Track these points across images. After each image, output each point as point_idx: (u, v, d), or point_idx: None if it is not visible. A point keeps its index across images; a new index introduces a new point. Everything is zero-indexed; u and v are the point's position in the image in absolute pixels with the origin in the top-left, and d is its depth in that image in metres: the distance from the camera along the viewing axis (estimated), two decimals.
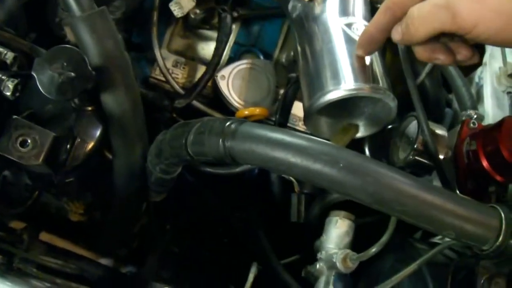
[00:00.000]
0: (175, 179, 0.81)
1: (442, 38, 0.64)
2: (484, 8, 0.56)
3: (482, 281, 0.67)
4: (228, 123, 0.64)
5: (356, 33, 0.80)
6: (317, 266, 0.80)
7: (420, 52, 0.66)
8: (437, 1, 0.59)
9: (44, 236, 0.92)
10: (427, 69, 0.94)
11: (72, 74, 0.67)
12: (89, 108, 0.77)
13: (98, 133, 0.78)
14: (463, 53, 0.64)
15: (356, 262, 0.76)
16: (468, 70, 0.96)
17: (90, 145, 0.77)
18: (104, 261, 0.97)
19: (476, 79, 0.95)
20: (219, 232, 1.03)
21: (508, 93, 0.89)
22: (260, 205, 0.97)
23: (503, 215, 0.62)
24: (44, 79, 0.67)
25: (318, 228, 0.86)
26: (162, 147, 0.73)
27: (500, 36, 0.57)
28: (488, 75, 0.91)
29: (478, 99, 0.92)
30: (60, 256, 0.91)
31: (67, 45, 0.69)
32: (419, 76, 0.95)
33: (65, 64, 0.67)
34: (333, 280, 0.77)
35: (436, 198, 0.61)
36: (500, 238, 0.61)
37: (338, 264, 0.76)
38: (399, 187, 0.59)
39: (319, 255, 0.81)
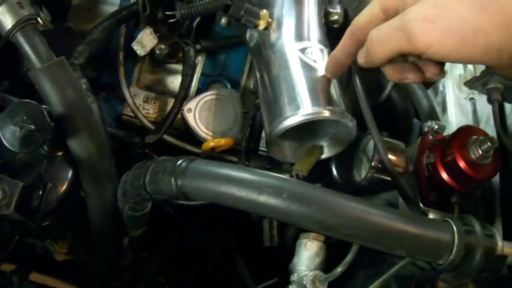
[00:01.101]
0: (148, 215, 0.83)
1: (410, 57, 0.66)
2: (437, 29, 0.58)
3: None
4: (179, 162, 0.67)
5: (311, 58, 0.82)
6: None
7: (390, 73, 0.69)
8: (393, 23, 0.62)
9: (35, 277, 0.96)
10: (392, 82, 0.95)
11: (32, 127, 0.71)
12: (59, 154, 0.80)
13: (68, 177, 0.81)
14: (431, 71, 0.67)
15: (325, 283, 0.78)
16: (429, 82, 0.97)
17: (62, 189, 0.80)
18: None
19: (441, 88, 0.95)
20: (202, 260, 1.05)
21: (471, 99, 0.89)
22: (238, 231, 0.99)
23: (455, 229, 0.63)
24: (6, 133, 0.71)
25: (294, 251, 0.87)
26: (126, 187, 0.75)
27: (455, 54, 0.59)
28: (450, 83, 0.91)
29: (443, 108, 0.92)
30: None
31: (26, 100, 0.72)
32: (385, 90, 0.96)
33: (25, 117, 0.71)
34: None
35: (384, 219, 0.62)
36: (453, 253, 0.62)
37: (308, 286, 0.78)
38: (344, 212, 0.61)
39: (291, 278, 0.82)
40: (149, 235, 0.96)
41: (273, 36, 0.85)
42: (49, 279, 0.97)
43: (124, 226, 0.87)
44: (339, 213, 0.61)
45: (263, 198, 0.61)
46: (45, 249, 0.94)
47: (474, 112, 0.89)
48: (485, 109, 0.87)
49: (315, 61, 0.82)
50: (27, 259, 0.95)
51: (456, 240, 0.62)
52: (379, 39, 0.64)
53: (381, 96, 0.97)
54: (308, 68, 0.81)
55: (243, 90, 1.00)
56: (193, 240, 1.03)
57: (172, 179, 0.66)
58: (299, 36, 0.84)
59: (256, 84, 1.00)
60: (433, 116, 0.89)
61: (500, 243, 0.64)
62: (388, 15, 0.64)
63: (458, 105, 0.89)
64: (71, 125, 0.76)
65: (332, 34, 0.89)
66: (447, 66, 0.93)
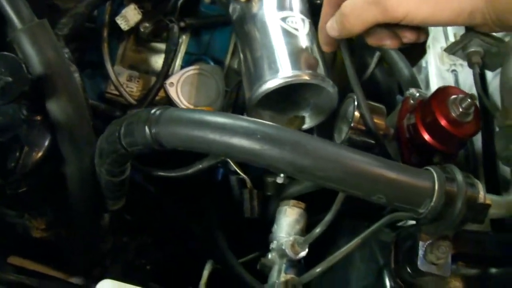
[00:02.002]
0: (126, 184, 0.82)
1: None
2: None
3: (424, 246, 0.65)
4: (153, 111, 0.66)
5: (292, 26, 0.83)
6: (269, 256, 0.79)
7: (369, 39, 0.71)
8: None
9: (14, 260, 0.93)
10: (375, 59, 0.95)
11: (9, 78, 0.70)
12: (38, 118, 0.80)
13: (46, 141, 0.80)
14: (407, 37, 0.69)
15: (304, 246, 0.76)
16: (415, 59, 0.97)
17: (39, 153, 0.79)
18: (75, 280, 0.97)
19: (424, 64, 0.95)
20: (184, 239, 1.03)
21: (453, 71, 0.89)
22: (220, 207, 0.97)
23: (435, 175, 0.62)
24: None
25: None
26: (102, 145, 0.74)
27: (430, 19, 0.62)
28: (432, 57, 0.92)
29: (427, 84, 0.92)
30: (29, 278, 0.91)
31: (4, 52, 0.72)
32: (368, 68, 0.96)
33: (2, 70, 0.71)
34: (285, 268, 0.76)
35: (360, 162, 0.61)
36: (434, 199, 0.60)
37: (287, 251, 0.75)
38: (318, 152, 0.59)
39: (271, 246, 0.80)
40: (130, 218, 0.95)
41: (255, 7, 0.86)
42: (28, 262, 0.95)
43: (103, 199, 0.85)
44: (313, 153, 0.59)
45: (236, 140, 0.59)
46: (24, 227, 0.93)
47: (456, 83, 0.89)
48: (467, 80, 0.87)
49: (296, 29, 0.83)
50: (6, 241, 0.93)
51: (436, 186, 0.61)
52: (355, 14, 0.65)
53: (364, 74, 0.97)
54: (289, 35, 0.82)
55: (227, 70, 1.00)
56: (174, 219, 1.01)
57: (146, 128, 0.65)
58: (281, 6, 0.85)
59: (240, 63, 1.00)
60: (414, 83, 0.89)
61: (482, 192, 0.62)
62: None
63: (440, 77, 0.90)
64: (51, 85, 0.75)
65: (316, 11, 0.90)
66: (430, 41, 0.93)
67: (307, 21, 0.85)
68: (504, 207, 0.67)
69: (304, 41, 0.82)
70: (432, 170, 0.63)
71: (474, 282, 0.69)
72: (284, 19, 0.83)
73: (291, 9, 0.85)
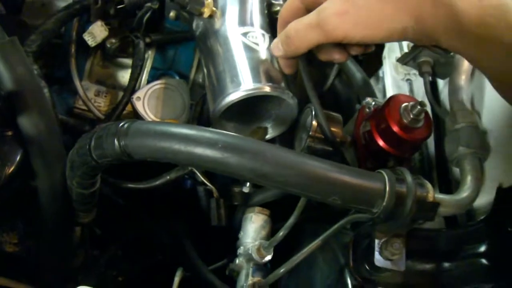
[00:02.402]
0: (96, 195, 0.84)
1: None
2: (348, 21, 0.67)
3: (380, 244, 0.70)
4: (121, 124, 0.69)
5: (253, 41, 0.87)
6: (237, 261, 0.82)
7: (319, 55, 0.77)
8: (310, 21, 0.70)
9: None
10: (334, 71, 1.00)
11: None
12: (9, 133, 0.82)
13: (18, 156, 0.82)
14: (354, 49, 0.75)
15: (270, 250, 0.79)
16: (372, 70, 1.02)
17: (11, 168, 0.81)
18: None
19: (381, 74, 1.00)
20: (154, 250, 1.06)
21: (407, 80, 0.95)
22: (189, 217, 1.01)
23: (386, 178, 0.66)
24: None
25: None
26: (73, 158, 0.77)
27: (367, 38, 0.68)
28: (388, 67, 0.97)
29: (384, 93, 0.97)
30: None
31: None
32: (328, 80, 1.01)
33: None
34: (252, 271, 0.80)
35: (316, 167, 0.65)
36: (386, 200, 0.65)
37: (254, 255, 0.79)
38: (277, 159, 0.63)
39: (238, 251, 0.83)
40: (99, 232, 0.97)
41: (217, 23, 0.89)
42: (0, 278, 0.96)
43: (73, 212, 0.88)
44: (272, 160, 0.63)
45: (200, 150, 0.63)
46: None
47: (411, 91, 0.94)
48: (421, 88, 0.92)
49: (257, 44, 0.87)
50: None
51: (387, 188, 0.65)
52: (299, 37, 0.72)
53: (325, 85, 1.02)
54: (250, 49, 0.86)
55: (192, 84, 1.04)
56: (144, 229, 1.04)
57: (115, 140, 0.68)
58: (242, 21, 0.89)
59: (204, 77, 1.04)
60: (370, 93, 0.93)
61: (431, 191, 0.67)
62: (307, 5, 0.73)
63: (395, 86, 0.95)
64: (22, 101, 0.78)
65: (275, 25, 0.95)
66: (386, 52, 0.98)
67: (267, 36, 0.89)
68: (454, 206, 0.71)
69: (264, 55, 0.86)
70: (383, 172, 0.67)
71: (429, 276, 0.74)
72: (245, 34, 0.87)
73: (251, 24, 0.89)
